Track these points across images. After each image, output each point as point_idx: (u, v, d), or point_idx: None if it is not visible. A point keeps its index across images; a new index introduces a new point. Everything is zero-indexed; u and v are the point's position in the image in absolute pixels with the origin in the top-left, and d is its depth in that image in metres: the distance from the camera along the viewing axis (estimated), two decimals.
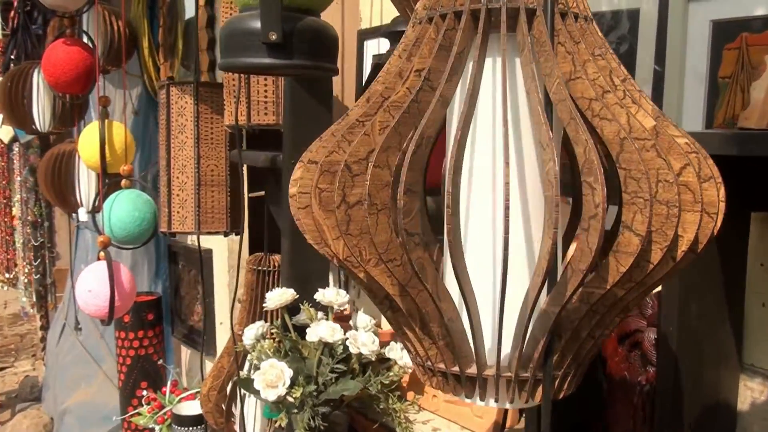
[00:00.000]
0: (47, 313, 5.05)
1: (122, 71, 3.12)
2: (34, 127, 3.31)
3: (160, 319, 3.34)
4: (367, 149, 0.68)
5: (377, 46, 2.05)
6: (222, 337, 3.10)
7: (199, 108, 1.91)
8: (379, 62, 1.46)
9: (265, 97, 1.74)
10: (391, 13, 2.06)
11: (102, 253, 2.71)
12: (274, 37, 1.15)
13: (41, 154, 5.17)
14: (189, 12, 3.46)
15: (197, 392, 3.25)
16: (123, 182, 2.83)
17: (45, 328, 5.02)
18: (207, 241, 3.15)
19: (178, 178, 1.93)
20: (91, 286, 2.58)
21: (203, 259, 3.13)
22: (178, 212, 1.93)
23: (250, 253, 1.97)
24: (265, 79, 1.75)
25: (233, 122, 1.80)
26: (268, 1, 1.14)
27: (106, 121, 2.90)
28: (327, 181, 0.69)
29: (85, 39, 3.13)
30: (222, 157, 1.94)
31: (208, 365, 3.20)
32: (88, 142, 2.87)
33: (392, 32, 1.45)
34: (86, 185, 3.19)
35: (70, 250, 4.76)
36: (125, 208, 2.79)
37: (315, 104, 1.73)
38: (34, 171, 5.31)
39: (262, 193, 1.98)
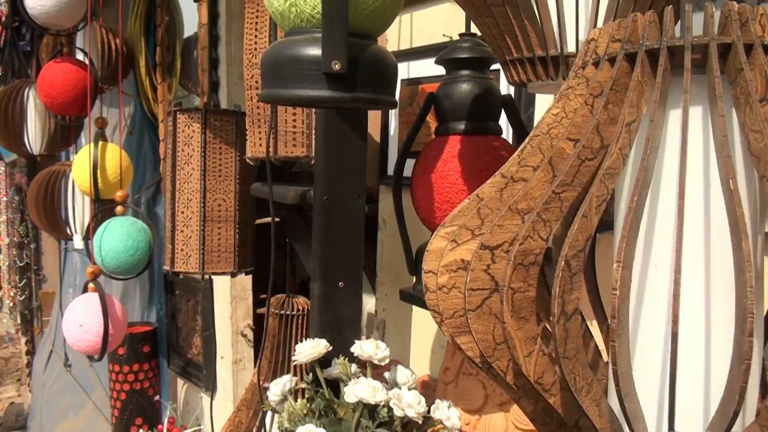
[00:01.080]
0: (33, 337, 4.74)
1: (118, 91, 2.86)
2: (25, 149, 3.04)
3: (156, 351, 3.08)
4: (585, 236, 0.44)
5: (407, 70, 1.82)
6: (223, 372, 2.84)
7: (207, 137, 1.66)
8: (434, 94, 1.22)
9: (294, 127, 1.50)
10: (421, 36, 1.83)
11: (91, 285, 2.46)
12: (337, 66, 0.91)
13: (28, 174, 4.88)
14: (188, 30, 3.22)
15: (196, 430, 2.99)
16: (117, 209, 2.58)
17: (31, 353, 4.71)
18: None
19: (182, 212, 1.68)
20: (81, 321, 2.35)
21: (203, 290, 2.88)
22: (182, 250, 1.68)
23: (255, 286, 1.71)
24: (294, 108, 1.51)
25: (257, 154, 1.56)
26: (333, 24, 0.90)
27: (101, 143, 2.65)
28: (520, 279, 0.45)
29: (81, 57, 2.87)
30: (231, 191, 1.69)
31: (207, 400, 2.94)
32: (82, 165, 2.61)
33: (450, 60, 1.22)
34: (79, 210, 2.92)
35: (60, 272, 4.48)
36: (118, 237, 2.54)
37: (350, 136, 1.49)
38: (21, 190, 5.02)
39: (269, 219, 1.74)
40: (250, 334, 2.76)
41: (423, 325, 1.84)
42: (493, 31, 0.84)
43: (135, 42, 3.25)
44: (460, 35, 1.26)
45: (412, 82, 1.81)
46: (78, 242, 2.86)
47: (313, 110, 1.53)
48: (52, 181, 2.91)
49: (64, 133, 3.07)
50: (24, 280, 4.71)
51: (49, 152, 3.11)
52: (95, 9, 2.84)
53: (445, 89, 1.21)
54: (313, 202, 1.51)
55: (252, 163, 1.59)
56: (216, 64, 2.78)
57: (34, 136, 3.02)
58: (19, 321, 4.82)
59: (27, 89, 3.03)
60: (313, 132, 1.52)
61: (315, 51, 0.93)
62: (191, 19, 3.12)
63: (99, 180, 2.62)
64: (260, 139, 1.55)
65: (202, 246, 1.64)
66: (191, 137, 1.66)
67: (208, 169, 1.65)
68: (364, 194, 1.57)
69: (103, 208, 2.69)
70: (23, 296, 4.79)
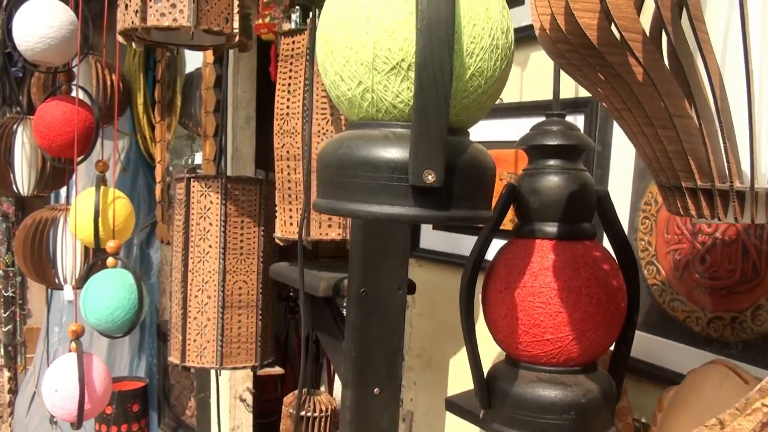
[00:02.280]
0: (16, 374, 4.41)
1: (114, 129, 2.58)
2: (14, 189, 2.74)
3: (146, 409, 2.78)
4: None
5: None
6: None
7: (228, 209, 1.39)
8: (515, 187, 0.95)
9: None
10: None
11: (73, 344, 2.18)
12: (432, 178, 0.64)
13: (15, 204, 4.56)
14: (189, 66, 2.95)
15: None
16: (108, 261, 2.29)
17: (13, 391, 4.38)
18: None
19: (196, 297, 1.40)
20: (57, 386, 2.08)
21: None
22: (195, 341, 1.40)
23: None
24: None
25: (288, 235, 1.29)
26: (429, 120, 0.63)
27: (104, 188, 2.36)
28: None
29: (80, 94, 2.59)
30: (253, 271, 1.41)
31: None
32: (80, 211, 2.33)
33: (538, 147, 0.95)
34: (69, 259, 2.63)
35: (46, 307, 4.16)
36: (102, 295, 2.25)
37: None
38: (7, 217, 4.71)
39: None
40: (250, 399, 2.48)
41: (459, 423, 1.57)
42: (667, 147, 0.58)
43: (133, 78, 2.98)
44: (547, 115, 0.99)
45: None
46: (69, 294, 2.56)
47: None
48: (41, 226, 2.61)
49: (57, 174, 2.77)
50: (8, 315, 4.38)
51: (39, 193, 2.82)
52: (92, 43, 2.55)
53: (531, 182, 0.95)
54: (347, 293, 1.25)
55: (282, 244, 1.32)
56: (221, 105, 2.51)
57: (22, 177, 2.72)
58: (2, 355, 4.49)
59: (16, 126, 2.74)
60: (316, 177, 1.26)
61: (398, 154, 0.67)
62: (193, 54, 2.85)
63: (100, 228, 2.33)
64: (291, 218, 1.28)
65: (220, 336, 1.36)
66: (208, 209, 1.38)
67: (228, 246, 1.37)
68: (406, 284, 1.31)
69: (96, 260, 2.40)
70: (7, 332, 4.46)
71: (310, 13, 1.27)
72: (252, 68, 2.48)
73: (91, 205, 2.33)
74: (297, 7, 2.21)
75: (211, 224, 1.38)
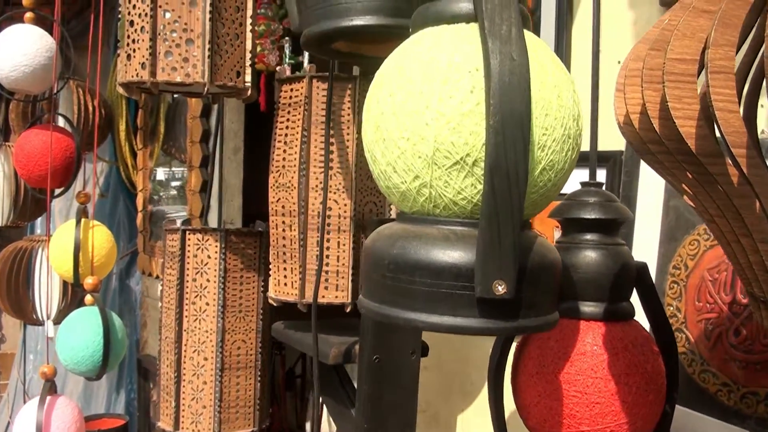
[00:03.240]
0: None
1: (93, 157, 2.46)
2: None
3: None
4: None
5: None
6: None
7: (228, 264, 1.29)
8: None
9: (338, 265, 1.15)
10: None
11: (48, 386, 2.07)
12: (503, 289, 0.56)
13: None
14: None
15: None
16: (86, 298, 2.18)
17: None
18: None
19: (192, 358, 1.30)
20: None
21: None
22: (190, 406, 1.29)
23: None
24: (340, 246, 1.15)
25: (283, 295, 1.19)
26: (501, 224, 0.55)
27: (84, 221, 2.24)
28: None
29: (61, 122, 2.46)
30: (252, 329, 1.31)
31: None
32: (61, 243, 2.21)
33: (573, 220, 0.87)
34: (46, 294, 2.50)
35: (23, 334, 3.99)
36: (73, 335, 2.14)
37: None
38: None
39: None
40: None
41: None
42: (766, 262, 0.51)
43: (115, 103, 2.85)
44: (583, 184, 0.92)
45: None
46: (51, 330, 2.43)
47: (360, 247, 1.18)
48: (18, 258, 2.48)
49: (36, 203, 2.64)
50: None
51: (16, 223, 2.68)
52: (73, 67, 2.43)
53: (567, 257, 0.87)
54: (359, 361, 1.16)
55: (275, 305, 1.22)
56: (208, 136, 2.41)
57: (1, 205, 2.59)
58: None
59: None
60: (350, 278, 1.17)
61: (461, 259, 0.58)
62: None
63: (80, 263, 2.21)
64: (286, 277, 1.18)
65: (218, 401, 1.25)
66: (206, 264, 1.28)
67: (227, 304, 1.27)
68: (420, 348, 1.22)
69: (78, 296, 2.28)
70: None
71: (305, 61, 1.18)
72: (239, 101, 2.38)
73: (70, 239, 2.21)
74: (287, 38, 2.12)
75: (208, 280, 1.28)
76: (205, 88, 1.12)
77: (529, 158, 0.55)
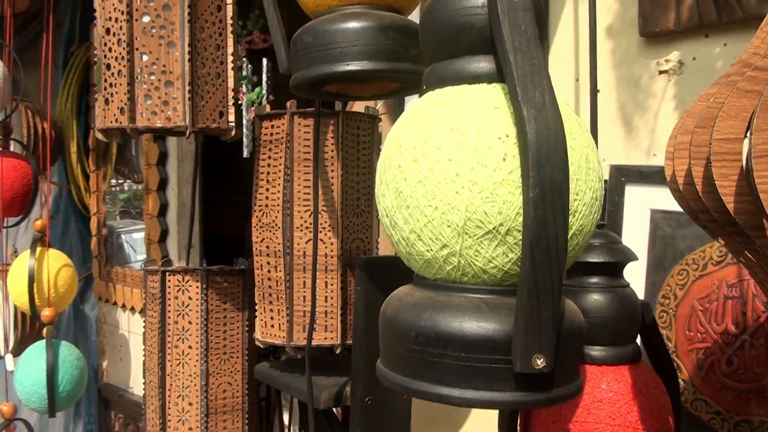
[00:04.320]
0: None
1: (46, 180, 2.37)
2: None
3: None
4: None
5: None
6: None
7: (210, 305, 1.24)
8: None
9: (326, 306, 1.12)
10: None
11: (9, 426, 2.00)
12: (542, 363, 0.54)
13: None
14: None
15: None
16: (44, 330, 2.10)
17: None
18: None
19: (176, 404, 1.25)
20: None
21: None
22: None
23: None
24: (328, 286, 1.12)
25: (271, 338, 1.16)
26: (541, 300, 0.53)
27: (41, 250, 2.16)
28: None
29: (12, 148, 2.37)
30: (238, 371, 1.27)
31: None
32: (19, 275, 2.12)
33: (577, 263, 0.86)
34: (4, 325, 2.40)
35: None
36: (25, 370, 2.07)
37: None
38: None
39: None
40: None
41: None
42: None
43: (66, 124, 2.76)
44: None
45: None
46: (10, 364, 2.33)
47: (348, 286, 1.15)
48: None
49: None
50: None
51: None
52: (21, 89, 2.34)
53: (573, 301, 0.86)
54: (351, 403, 1.13)
55: (262, 347, 1.19)
56: (164, 158, 2.34)
57: None
58: None
59: None
60: (348, 314, 1.14)
61: (495, 331, 0.56)
62: None
63: (35, 294, 2.12)
64: (273, 319, 1.15)
65: None
66: (187, 306, 1.24)
67: (210, 346, 1.23)
68: None
69: (38, 326, 2.19)
70: None
71: (288, 101, 1.14)
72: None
73: (38, 269, 2.12)
74: (244, 59, 2.07)
75: (190, 323, 1.23)
76: (188, 131, 1.08)
77: (567, 229, 0.53)
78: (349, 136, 1.13)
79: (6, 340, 2.42)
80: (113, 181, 2.71)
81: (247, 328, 1.28)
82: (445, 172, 0.56)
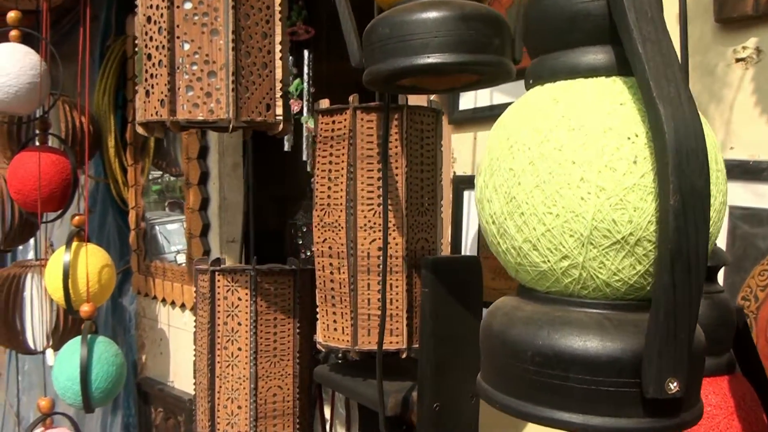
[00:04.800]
0: None
1: (85, 177, 2.34)
2: None
3: None
4: None
5: None
6: None
7: (259, 307, 1.20)
8: None
9: (392, 309, 1.07)
10: None
11: (47, 420, 1.98)
12: (675, 387, 0.49)
13: None
14: None
15: None
16: (83, 325, 2.07)
17: None
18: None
19: (225, 406, 1.20)
20: None
21: (188, 411, 2.38)
22: None
23: None
24: (393, 288, 1.07)
25: (334, 342, 1.11)
26: (679, 320, 0.47)
27: (78, 245, 2.13)
28: None
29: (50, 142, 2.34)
30: (288, 374, 1.22)
31: None
32: (56, 269, 2.09)
33: None
34: (39, 321, 2.37)
35: (7, 356, 3.84)
36: (63, 366, 2.04)
37: (466, 319, 1.08)
38: None
39: None
40: None
41: None
42: None
43: (103, 118, 2.73)
44: None
45: None
46: (50, 359, 2.31)
47: (414, 288, 1.10)
48: (8, 285, 2.35)
49: (25, 227, 2.51)
50: None
51: (6, 248, 2.55)
52: (60, 84, 2.31)
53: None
54: (419, 409, 1.08)
55: (323, 350, 1.14)
56: (205, 152, 2.30)
57: None
58: None
59: None
60: (414, 317, 1.09)
61: (622, 352, 0.51)
62: None
63: (71, 289, 2.10)
64: (336, 323, 1.10)
65: None
66: (236, 306, 1.19)
67: (260, 348, 1.18)
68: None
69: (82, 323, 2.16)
70: None
71: (351, 96, 1.09)
72: None
73: (74, 264, 2.10)
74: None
75: (240, 324, 1.19)
76: (231, 125, 1.03)
77: (708, 242, 0.47)
78: (413, 131, 1.08)
79: (46, 334, 2.40)
80: (152, 174, 2.68)
81: (298, 331, 1.23)
82: (568, 177, 0.50)
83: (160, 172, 2.67)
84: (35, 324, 2.35)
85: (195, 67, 1.04)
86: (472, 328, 1.10)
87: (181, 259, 2.53)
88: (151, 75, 1.07)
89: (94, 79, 2.72)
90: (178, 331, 2.49)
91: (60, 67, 2.21)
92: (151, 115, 1.05)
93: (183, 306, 2.41)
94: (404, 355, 1.09)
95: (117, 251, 2.89)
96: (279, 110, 1.07)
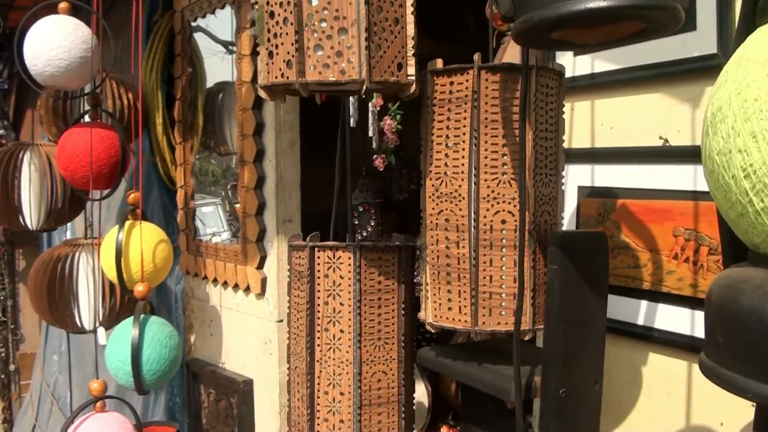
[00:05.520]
0: (10, 403, 4.03)
1: (139, 155, 2.24)
2: (22, 223, 2.39)
3: None
4: None
5: (590, 175, 1.30)
6: None
7: (363, 285, 1.10)
8: None
9: (515, 287, 0.97)
10: (609, 133, 1.32)
11: (99, 403, 1.89)
12: None
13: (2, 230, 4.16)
14: (210, 80, 2.62)
15: None
16: (138, 304, 1.98)
17: (8, 421, 3.99)
18: (247, 369, 2.31)
19: (326, 393, 1.11)
20: None
21: (242, 393, 2.29)
22: None
23: None
24: (517, 264, 0.97)
25: (448, 323, 1.01)
26: None
27: (131, 223, 2.04)
28: None
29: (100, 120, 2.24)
30: (393, 359, 1.13)
31: None
32: (110, 249, 2.00)
33: None
34: (92, 300, 2.29)
35: (43, 333, 3.78)
36: (119, 349, 1.95)
37: (592, 302, 0.98)
38: None
39: None
40: None
41: None
42: None
43: (151, 96, 2.63)
44: None
45: (601, 193, 1.29)
46: (102, 338, 2.23)
47: (538, 264, 1.00)
48: (55, 264, 2.27)
49: (74, 205, 2.43)
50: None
51: (52, 226, 2.47)
52: (111, 60, 2.21)
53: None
54: (543, 395, 0.98)
55: (434, 332, 1.04)
56: (261, 129, 2.20)
57: (33, 209, 2.37)
58: None
59: (22, 154, 2.38)
60: (537, 296, 0.99)
61: None
62: (215, 68, 2.53)
63: (124, 268, 2.01)
64: (451, 301, 1.00)
65: None
66: (338, 285, 1.09)
67: (364, 330, 1.09)
68: (602, 377, 1.05)
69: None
70: None
71: (475, 54, 0.98)
72: None
73: (122, 243, 2.01)
74: None
75: (342, 304, 1.09)
76: (363, 86, 0.92)
77: None
78: (540, 94, 0.97)
79: (97, 313, 2.32)
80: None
81: (403, 311, 1.14)
82: None
83: (209, 152, 2.57)
84: (86, 303, 2.26)
85: (324, 24, 0.94)
86: (598, 309, 0.99)
87: (216, 240, 2.45)
88: (275, 34, 0.96)
89: (142, 54, 2.63)
90: (230, 312, 2.40)
91: (111, 42, 2.11)
92: (276, 77, 0.95)
93: (236, 286, 2.32)
94: (528, 337, 0.99)
95: (161, 228, 2.80)
96: (411, 70, 0.97)
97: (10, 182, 2.33)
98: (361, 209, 2.62)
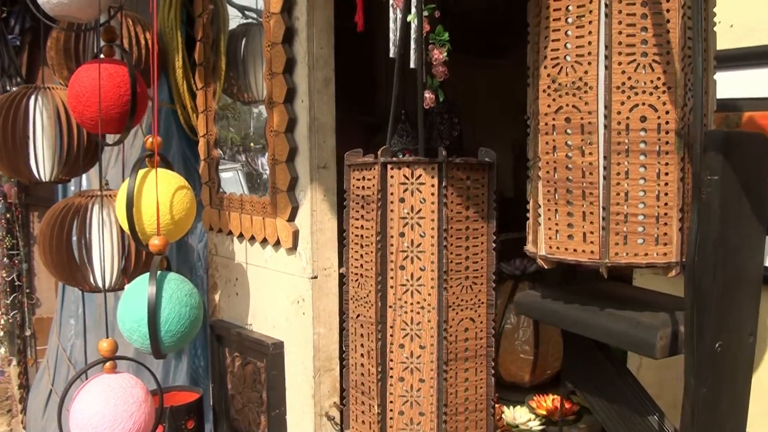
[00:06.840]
0: (26, 368, 3.84)
1: (153, 99, 2.00)
2: (32, 175, 2.16)
3: (202, 425, 2.24)
4: None
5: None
6: None
7: (448, 211, 0.86)
8: None
9: (658, 207, 0.72)
10: (733, 33, 1.07)
11: (107, 365, 1.68)
12: None
13: (18, 183, 3.93)
14: (233, 21, 2.37)
15: None
16: (154, 259, 1.75)
17: (24, 386, 3.81)
18: (276, 330, 2.09)
19: (402, 346, 0.87)
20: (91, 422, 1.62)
21: (271, 356, 2.07)
22: (402, 413, 0.87)
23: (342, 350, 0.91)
24: (661, 176, 0.73)
25: (559, 254, 0.77)
26: None
27: (146, 171, 1.81)
28: None
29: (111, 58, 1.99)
30: (482, 302, 0.89)
31: None
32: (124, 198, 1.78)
33: None
34: (107, 256, 2.07)
35: (59, 297, 3.58)
36: (127, 304, 1.73)
37: (752, 221, 0.74)
38: (5, 197, 4.09)
39: None
40: (338, 416, 1.97)
41: None
42: None
43: (169, 37, 2.38)
44: None
45: (723, 106, 1.04)
46: None
47: (687, 176, 0.75)
48: (65, 217, 2.04)
49: (88, 154, 2.20)
50: (15, 306, 3.79)
51: (65, 177, 2.24)
52: None
53: None
54: (694, 350, 0.74)
55: (546, 267, 0.80)
56: (292, 66, 1.96)
57: (43, 159, 2.14)
58: (2, 351, 3.90)
59: (32, 97, 2.14)
60: (677, 226, 0.75)
61: None
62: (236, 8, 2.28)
63: (136, 219, 1.78)
64: (571, 227, 0.76)
65: (443, 406, 0.84)
66: (418, 212, 0.85)
67: (450, 268, 0.85)
68: (756, 328, 0.81)
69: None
70: (10, 317, 3.87)
71: None
72: (329, 18, 1.92)
73: (149, 192, 1.78)
74: None
75: (422, 235, 0.85)
76: None
77: None
78: None
79: (112, 270, 2.10)
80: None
81: (493, 246, 0.90)
82: None
83: (231, 99, 2.33)
84: (101, 259, 2.04)
85: None
86: (756, 238, 0.75)
87: (241, 192, 2.21)
88: None
89: None
90: (257, 269, 2.18)
91: None
92: None
93: (264, 241, 2.09)
94: (674, 273, 0.75)
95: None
96: None
97: (20, 128, 2.09)
98: (400, 155, 2.37)
